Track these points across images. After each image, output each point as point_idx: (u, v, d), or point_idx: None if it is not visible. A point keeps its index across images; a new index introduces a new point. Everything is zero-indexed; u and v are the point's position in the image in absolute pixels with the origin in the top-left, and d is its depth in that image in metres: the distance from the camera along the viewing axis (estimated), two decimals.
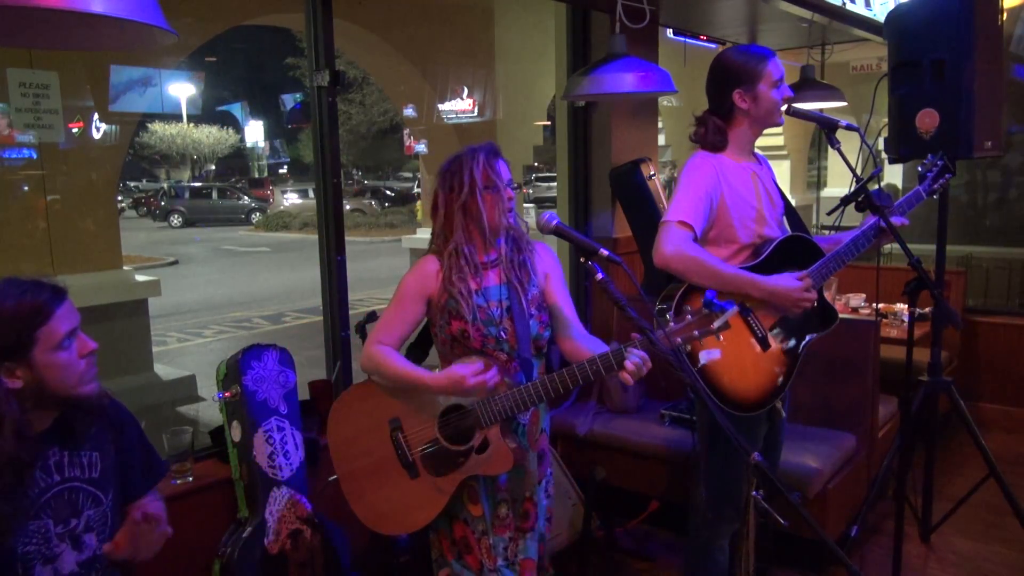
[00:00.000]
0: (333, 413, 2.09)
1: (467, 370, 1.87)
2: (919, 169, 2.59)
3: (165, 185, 27.96)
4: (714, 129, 2.30)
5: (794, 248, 2.31)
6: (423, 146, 8.83)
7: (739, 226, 2.27)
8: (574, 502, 3.10)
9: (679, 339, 1.76)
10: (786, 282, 2.21)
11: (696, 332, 1.75)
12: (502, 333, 1.97)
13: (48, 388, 1.55)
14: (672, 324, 1.77)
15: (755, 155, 2.41)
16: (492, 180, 1.96)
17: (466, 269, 1.98)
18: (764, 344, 2.26)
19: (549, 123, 8.51)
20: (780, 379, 2.28)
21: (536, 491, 2.09)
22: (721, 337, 1.95)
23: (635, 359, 1.78)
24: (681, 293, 2.21)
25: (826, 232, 2.63)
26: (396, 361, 1.99)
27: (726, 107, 2.28)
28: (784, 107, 2.31)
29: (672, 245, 2.16)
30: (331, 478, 2.23)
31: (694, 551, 2.47)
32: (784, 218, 2.42)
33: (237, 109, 31.19)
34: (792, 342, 2.30)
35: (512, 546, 2.05)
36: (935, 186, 2.57)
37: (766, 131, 2.42)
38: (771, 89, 2.25)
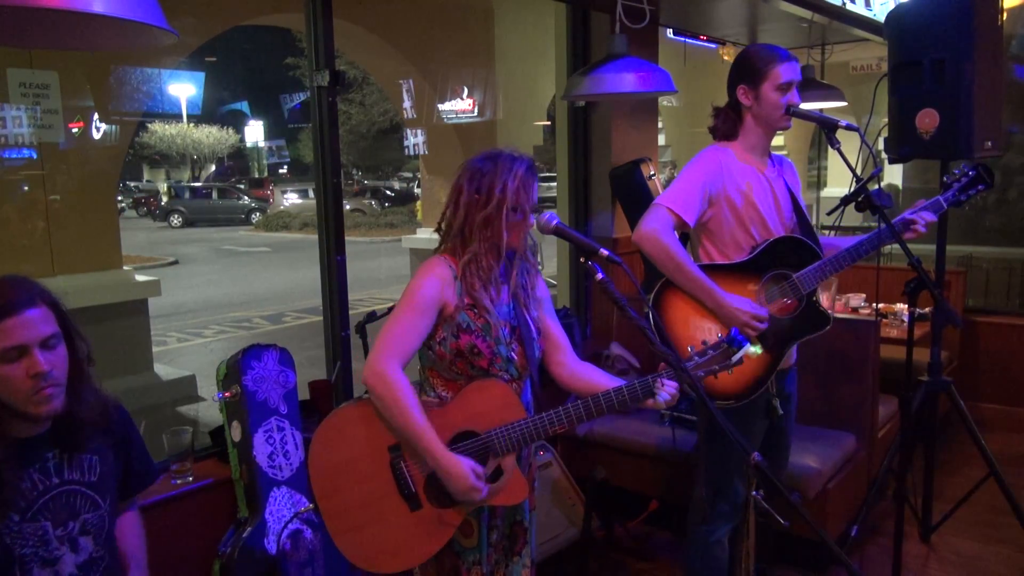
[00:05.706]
0: (321, 435, 1.83)
1: (479, 470, 1.78)
2: (944, 179, 2.52)
3: (164, 185, 27.97)
4: (726, 118, 2.35)
5: (788, 250, 2.31)
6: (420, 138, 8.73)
7: (737, 223, 2.28)
8: (574, 502, 3.10)
9: (701, 372, 1.79)
10: (740, 303, 2.24)
11: (717, 367, 1.79)
12: (512, 354, 1.89)
13: None
14: (696, 358, 1.80)
15: (770, 157, 2.40)
16: (522, 204, 1.80)
17: (487, 279, 1.85)
18: None
19: (549, 123, 8.50)
20: (759, 374, 2.30)
21: (526, 516, 2.04)
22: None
23: (667, 394, 1.81)
24: (658, 288, 2.28)
25: (827, 232, 2.61)
26: (413, 411, 1.76)
27: (732, 101, 2.34)
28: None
29: (650, 226, 2.21)
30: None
31: (693, 547, 2.48)
32: (797, 222, 2.40)
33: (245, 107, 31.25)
34: (775, 344, 2.31)
35: (500, 570, 2.00)
36: (963, 197, 2.47)
37: None
38: (775, 91, 2.25)
